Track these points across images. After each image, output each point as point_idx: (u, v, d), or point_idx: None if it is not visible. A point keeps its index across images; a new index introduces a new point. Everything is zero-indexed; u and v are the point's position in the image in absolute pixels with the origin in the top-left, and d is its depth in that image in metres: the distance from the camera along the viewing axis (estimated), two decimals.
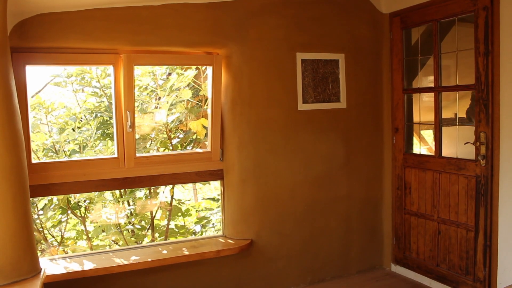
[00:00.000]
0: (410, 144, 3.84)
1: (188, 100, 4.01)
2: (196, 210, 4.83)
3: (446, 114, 3.54)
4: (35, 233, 2.83)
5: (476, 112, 3.14)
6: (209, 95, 3.40)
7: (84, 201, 4.00)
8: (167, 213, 4.20)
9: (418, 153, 3.81)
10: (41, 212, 3.89)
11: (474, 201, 3.19)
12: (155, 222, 4.23)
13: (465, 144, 3.25)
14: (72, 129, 4.11)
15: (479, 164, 3.14)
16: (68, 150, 4.03)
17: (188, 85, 4.03)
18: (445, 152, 3.47)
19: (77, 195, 3.90)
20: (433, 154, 3.54)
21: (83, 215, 4.04)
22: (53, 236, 4.07)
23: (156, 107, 4.11)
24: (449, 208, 3.40)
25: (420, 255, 3.67)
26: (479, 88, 3.10)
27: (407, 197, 3.76)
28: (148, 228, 4.22)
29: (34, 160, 3.22)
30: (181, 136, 4.19)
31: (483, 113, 3.08)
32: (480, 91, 3.09)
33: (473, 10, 3.08)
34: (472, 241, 3.23)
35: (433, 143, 3.55)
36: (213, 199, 4.90)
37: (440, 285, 3.49)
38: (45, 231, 3.99)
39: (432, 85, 3.51)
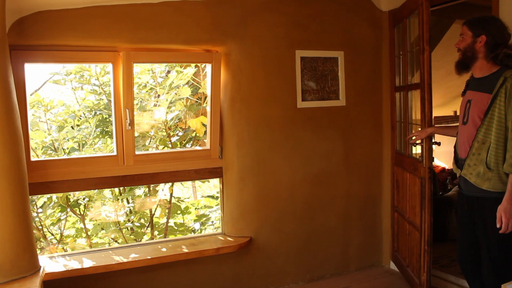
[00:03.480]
0: (400, 142, 3.83)
1: (187, 97, 4.01)
2: (195, 208, 4.84)
3: (444, 112, 3.54)
4: (34, 231, 2.83)
5: (420, 111, 3.11)
6: (208, 92, 3.40)
7: (83, 199, 4.00)
8: (166, 211, 4.20)
9: (400, 151, 3.78)
10: (40, 210, 3.89)
11: (420, 202, 3.15)
12: (154, 220, 4.24)
13: (414, 145, 3.21)
14: (71, 127, 4.11)
15: (423, 165, 3.09)
16: (67, 148, 4.03)
17: (187, 83, 4.03)
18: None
19: (76, 193, 3.91)
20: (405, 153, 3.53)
21: (82, 213, 4.04)
22: (52, 234, 4.08)
23: (155, 105, 4.11)
24: (413, 209, 3.33)
25: (401, 254, 3.65)
26: (421, 87, 3.07)
27: (397, 196, 3.74)
28: (147, 226, 4.22)
29: (33, 158, 3.21)
30: (180, 134, 4.19)
31: (423, 113, 3.06)
32: (423, 90, 3.06)
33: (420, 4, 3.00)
34: (418, 242, 3.18)
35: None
36: (212, 196, 4.91)
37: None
38: (44, 229, 4.00)
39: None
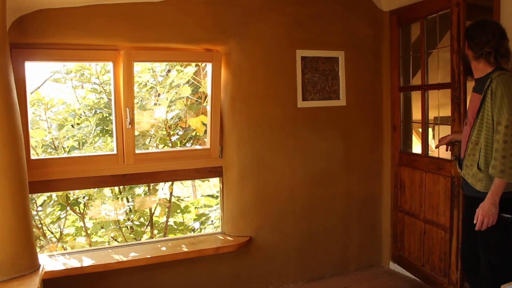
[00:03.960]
0: (406, 142, 3.83)
1: (187, 97, 4.01)
2: (195, 207, 4.84)
3: (444, 112, 3.53)
4: (34, 229, 2.82)
5: (451, 111, 3.11)
6: (208, 92, 3.40)
7: (83, 197, 4.00)
8: (166, 209, 4.20)
9: (410, 151, 3.78)
10: (40, 208, 3.89)
11: (450, 202, 3.16)
12: (154, 218, 4.24)
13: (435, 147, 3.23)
14: (71, 125, 4.11)
15: (454, 164, 3.10)
16: (67, 147, 4.02)
17: (187, 82, 4.03)
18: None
19: (76, 192, 3.91)
20: (421, 153, 3.53)
21: (82, 211, 4.04)
22: (52, 233, 4.08)
23: (155, 104, 4.11)
24: (432, 208, 3.37)
25: (411, 254, 3.66)
26: (453, 86, 3.06)
27: (402, 196, 3.75)
28: (147, 225, 4.22)
29: (33, 156, 3.22)
30: (180, 133, 4.19)
31: (457, 112, 3.06)
32: (454, 89, 3.05)
33: (449, 7, 3.04)
34: (448, 243, 3.20)
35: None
36: (212, 196, 4.91)
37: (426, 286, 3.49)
38: (44, 227, 4.00)
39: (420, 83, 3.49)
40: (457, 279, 3.14)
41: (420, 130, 3.62)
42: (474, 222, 2.32)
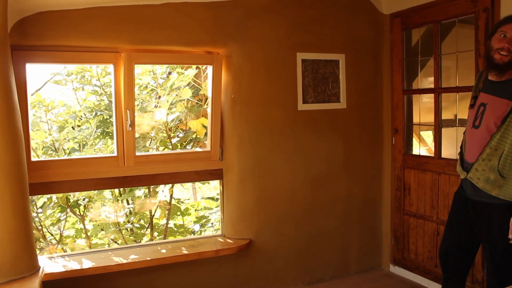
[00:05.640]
0: (409, 145, 3.84)
1: (188, 99, 4.01)
2: (195, 209, 4.83)
3: (445, 115, 3.54)
4: (34, 231, 2.82)
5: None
6: (209, 94, 3.40)
7: (83, 199, 4.00)
8: (166, 212, 4.20)
9: (418, 154, 3.80)
10: (40, 210, 3.89)
11: None
12: (154, 221, 4.23)
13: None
14: (72, 127, 4.11)
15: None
16: (68, 149, 4.03)
17: (188, 84, 4.03)
18: (444, 154, 3.46)
19: (76, 194, 3.90)
20: (433, 155, 3.53)
21: (82, 213, 4.04)
22: (52, 235, 4.07)
23: (156, 106, 4.11)
24: (448, 209, 3.39)
25: (419, 256, 3.67)
26: None
27: (406, 198, 3.76)
28: (147, 227, 4.22)
29: (34, 158, 3.21)
30: (180, 135, 4.19)
31: None
32: None
33: (474, 12, 3.08)
34: None
35: (433, 144, 3.54)
36: (212, 198, 4.90)
37: (438, 286, 3.49)
38: (44, 229, 3.99)
39: (432, 86, 3.50)
40: (483, 277, 3.12)
41: (422, 133, 3.63)
42: (510, 236, 2.22)
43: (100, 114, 4.16)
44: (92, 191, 3.85)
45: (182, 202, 4.60)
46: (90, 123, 4.18)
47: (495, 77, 2.37)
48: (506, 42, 2.25)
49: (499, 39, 2.28)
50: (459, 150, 2.61)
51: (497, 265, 2.37)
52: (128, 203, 4.15)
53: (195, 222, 4.51)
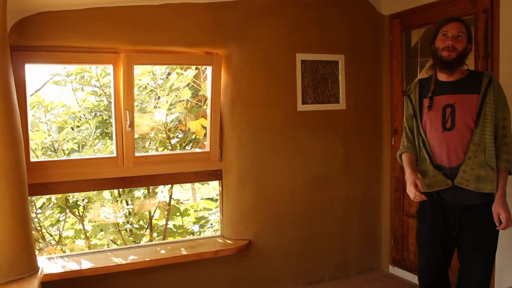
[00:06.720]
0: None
1: (187, 100, 4.01)
2: (195, 210, 4.83)
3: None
4: (33, 232, 2.82)
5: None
6: (208, 95, 3.40)
7: (83, 200, 4.00)
8: (166, 212, 4.19)
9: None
10: (39, 210, 3.89)
11: None
12: (154, 221, 4.23)
13: None
14: (71, 128, 4.11)
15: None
16: (67, 149, 4.03)
17: (187, 85, 4.03)
18: None
19: (76, 194, 3.90)
20: None
21: (81, 214, 4.04)
22: (51, 235, 4.07)
23: (155, 107, 4.11)
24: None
25: None
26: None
27: (405, 199, 3.75)
28: (147, 228, 4.22)
29: (33, 158, 3.21)
30: (180, 136, 4.19)
31: None
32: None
33: (473, 13, 3.08)
34: None
35: None
36: (211, 199, 4.91)
37: None
38: (43, 230, 3.99)
39: None
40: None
41: None
42: (497, 224, 2.26)
43: (100, 115, 4.16)
44: (91, 191, 3.85)
45: (182, 203, 4.60)
46: (89, 124, 4.18)
47: (446, 77, 2.41)
48: (450, 40, 2.33)
49: (442, 39, 2.36)
50: (414, 163, 2.53)
51: (489, 265, 2.35)
52: (127, 204, 4.15)
53: (194, 223, 4.50)
